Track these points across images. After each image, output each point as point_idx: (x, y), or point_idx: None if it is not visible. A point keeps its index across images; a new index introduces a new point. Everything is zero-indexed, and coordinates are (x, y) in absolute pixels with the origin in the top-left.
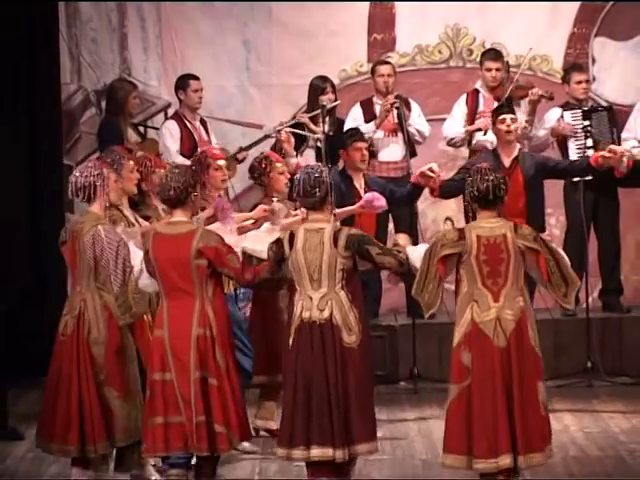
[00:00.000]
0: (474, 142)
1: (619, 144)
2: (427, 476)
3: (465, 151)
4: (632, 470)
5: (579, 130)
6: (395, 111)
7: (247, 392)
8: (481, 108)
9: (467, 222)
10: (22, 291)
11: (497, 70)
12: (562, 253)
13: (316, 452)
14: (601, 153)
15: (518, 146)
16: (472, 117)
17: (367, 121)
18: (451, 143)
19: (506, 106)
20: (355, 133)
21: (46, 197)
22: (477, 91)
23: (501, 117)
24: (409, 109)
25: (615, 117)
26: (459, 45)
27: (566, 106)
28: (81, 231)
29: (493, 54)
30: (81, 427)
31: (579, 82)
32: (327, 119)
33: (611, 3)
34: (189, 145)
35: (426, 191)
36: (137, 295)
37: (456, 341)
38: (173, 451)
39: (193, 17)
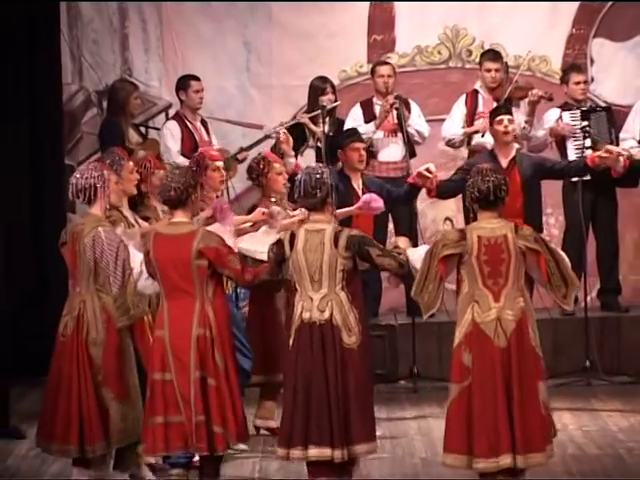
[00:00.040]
0: (473, 142)
1: (617, 144)
2: (427, 474)
3: (464, 151)
4: (630, 468)
5: (578, 130)
6: (395, 111)
7: (248, 391)
8: (480, 109)
9: (466, 222)
10: (24, 291)
11: (496, 71)
12: (563, 254)
13: (313, 452)
14: (598, 153)
15: (515, 147)
16: (471, 117)
17: (367, 121)
18: (449, 144)
19: (503, 107)
20: (353, 133)
21: (47, 197)
22: (476, 92)
23: (498, 118)
24: (409, 110)
25: (613, 117)
26: (458, 46)
27: (565, 106)
28: (81, 232)
29: (492, 55)
30: (81, 427)
31: (577, 83)
32: (327, 119)
33: (609, 4)
34: (190, 145)
35: (424, 191)
36: (135, 298)
37: (457, 341)
38: (173, 451)
39: (194, 18)
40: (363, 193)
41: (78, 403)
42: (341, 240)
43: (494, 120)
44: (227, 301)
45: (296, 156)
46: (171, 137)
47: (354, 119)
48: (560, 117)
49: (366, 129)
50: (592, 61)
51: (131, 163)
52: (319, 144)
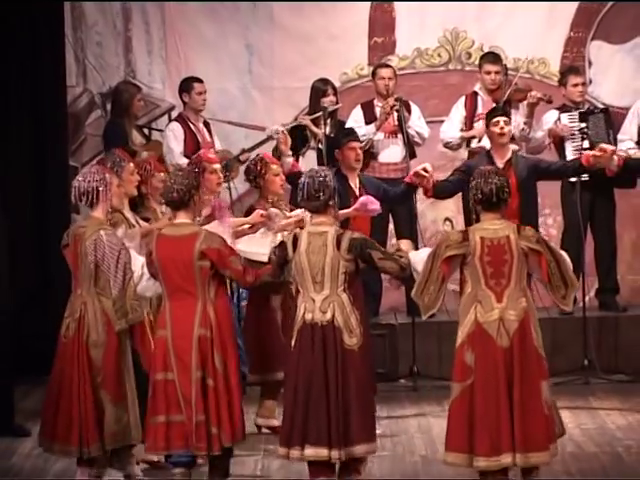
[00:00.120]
0: (473, 144)
1: (615, 146)
2: (426, 472)
3: (464, 153)
4: (628, 466)
5: (576, 132)
6: (395, 113)
7: (250, 390)
8: (480, 110)
9: (466, 223)
10: (28, 291)
11: (496, 73)
12: (564, 255)
13: (309, 452)
14: (592, 152)
15: (511, 148)
16: (471, 119)
17: (368, 123)
18: (447, 146)
19: (499, 109)
20: (350, 133)
21: (51, 198)
22: (476, 94)
23: (494, 120)
24: (409, 111)
25: (611, 119)
26: (458, 48)
27: (563, 108)
28: (83, 235)
29: (492, 57)
30: (80, 428)
31: (575, 85)
32: (328, 121)
33: (607, 7)
34: (193, 147)
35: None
36: (135, 301)
37: (459, 341)
38: (174, 450)
39: (196, 21)
40: (360, 192)
41: (78, 404)
42: (343, 243)
43: (490, 122)
44: (229, 302)
45: (297, 158)
46: (174, 138)
47: (355, 120)
48: (558, 119)
49: (367, 130)
50: (590, 63)
51: (131, 164)
52: (320, 146)
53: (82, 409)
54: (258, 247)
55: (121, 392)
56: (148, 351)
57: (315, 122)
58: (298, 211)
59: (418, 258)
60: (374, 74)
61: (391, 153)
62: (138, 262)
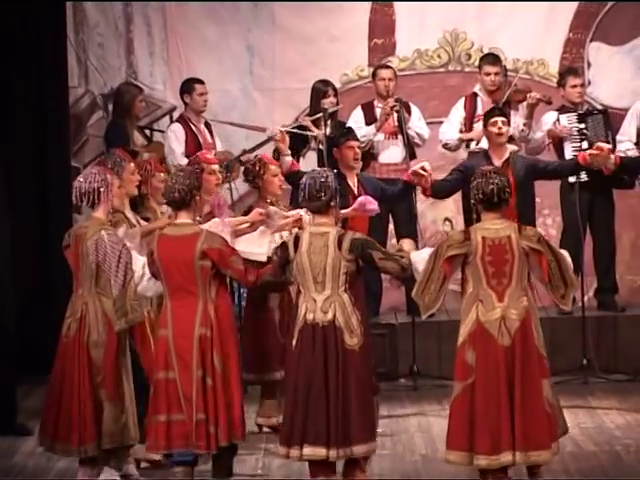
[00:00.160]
0: (472, 145)
1: (614, 147)
2: (426, 471)
3: (464, 154)
4: (627, 465)
5: (575, 133)
6: (395, 114)
7: (251, 389)
8: (479, 111)
9: (466, 223)
10: (30, 291)
11: (496, 74)
12: (565, 255)
13: (307, 451)
14: (589, 151)
15: (509, 148)
16: (470, 120)
17: (368, 124)
18: (445, 147)
19: (497, 109)
20: (348, 132)
21: (54, 199)
22: (475, 95)
23: (492, 120)
24: (409, 112)
25: (610, 120)
26: (457, 50)
27: (562, 110)
28: (85, 235)
29: (492, 58)
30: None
31: (574, 86)
32: (329, 122)
33: (606, 9)
34: (194, 147)
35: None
36: (135, 302)
37: (461, 340)
38: (175, 449)
39: (198, 22)
40: (359, 191)
41: (78, 404)
42: (345, 243)
43: (488, 122)
44: (231, 301)
45: (298, 159)
46: (175, 139)
47: (355, 121)
48: (557, 120)
49: (367, 131)
50: (589, 64)
51: (132, 164)
52: (321, 147)
53: (82, 409)
54: (256, 247)
55: (119, 392)
56: (148, 351)
57: (316, 123)
58: (295, 211)
59: (419, 258)
60: (374, 75)
61: (391, 154)
62: (139, 262)
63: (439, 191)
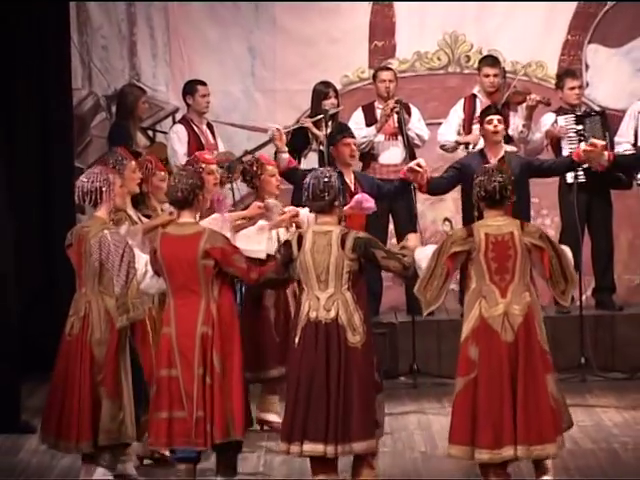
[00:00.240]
0: (471, 146)
1: (612, 148)
2: (426, 468)
3: (463, 154)
4: (624, 462)
5: (573, 134)
6: (395, 115)
7: (252, 387)
8: (478, 113)
9: (465, 223)
10: (33, 290)
11: (495, 76)
12: (566, 251)
13: (307, 447)
14: (583, 147)
15: (504, 147)
16: (469, 122)
17: (368, 125)
18: (443, 149)
19: (493, 108)
20: (344, 129)
21: (57, 199)
22: (474, 96)
23: (488, 118)
24: (409, 114)
25: (608, 121)
26: (457, 52)
27: (560, 111)
28: (87, 234)
29: (491, 60)
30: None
31: (572, 88)
32: (330, 123)
33: (604, 11)
34: (196, 148)
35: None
36: (137, 300)
37: (464, 336)
38: (176, 445)
39: (200, 25)
40: (355, 188)
41: (79, 402)
42: (348, 242)
43: (484, 120)
44: (234, 300)
45: (299, 159)
46: (178, 140)
47: (356, 123)
48: (555, 121)
49: (367, 132)
50: (587, 66)
51: (133, 162)
52: (322, 148)
53: (81, 406)
54: (254, 244)
55: (118, 390)
56: (147, 350)
57: (317, 124)
58: (292, 207)
59: (423, 255)
60: (375, 77)
61: (391, 155)
62: (141, 259)
63: (435, 188)
